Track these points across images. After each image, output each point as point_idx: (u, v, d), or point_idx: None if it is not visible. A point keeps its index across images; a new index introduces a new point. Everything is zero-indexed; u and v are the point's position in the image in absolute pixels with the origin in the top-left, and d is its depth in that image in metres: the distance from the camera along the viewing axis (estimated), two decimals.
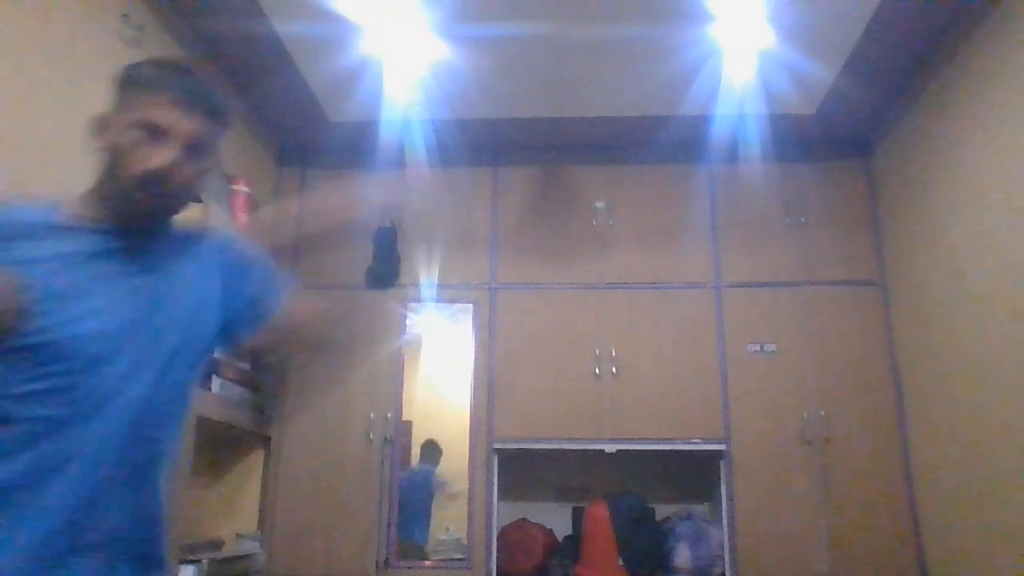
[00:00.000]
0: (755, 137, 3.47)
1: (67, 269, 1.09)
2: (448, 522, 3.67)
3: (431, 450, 3.88)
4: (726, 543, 3.17)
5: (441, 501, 3.81)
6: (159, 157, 1.11)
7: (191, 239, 1.28)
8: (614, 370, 3.40)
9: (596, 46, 2.97)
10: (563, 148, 3.73)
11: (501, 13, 2.76)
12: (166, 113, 1.12)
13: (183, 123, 1.13)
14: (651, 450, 3.35)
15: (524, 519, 3.46)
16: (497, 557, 3.24)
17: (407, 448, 3.77)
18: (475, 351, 3.48)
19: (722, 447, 3.27)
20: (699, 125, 3.44)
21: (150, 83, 1.14)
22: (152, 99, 1.12)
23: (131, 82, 1.15)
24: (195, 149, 1.15)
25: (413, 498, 3.64)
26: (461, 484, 3.40)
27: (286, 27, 2.85)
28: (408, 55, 3.00)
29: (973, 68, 2.73)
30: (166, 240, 1.24)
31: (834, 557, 3.12)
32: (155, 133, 1.11)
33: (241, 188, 3.17)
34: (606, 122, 3.52)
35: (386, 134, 3.53)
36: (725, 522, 3.20)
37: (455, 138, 3.57)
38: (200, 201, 1.19)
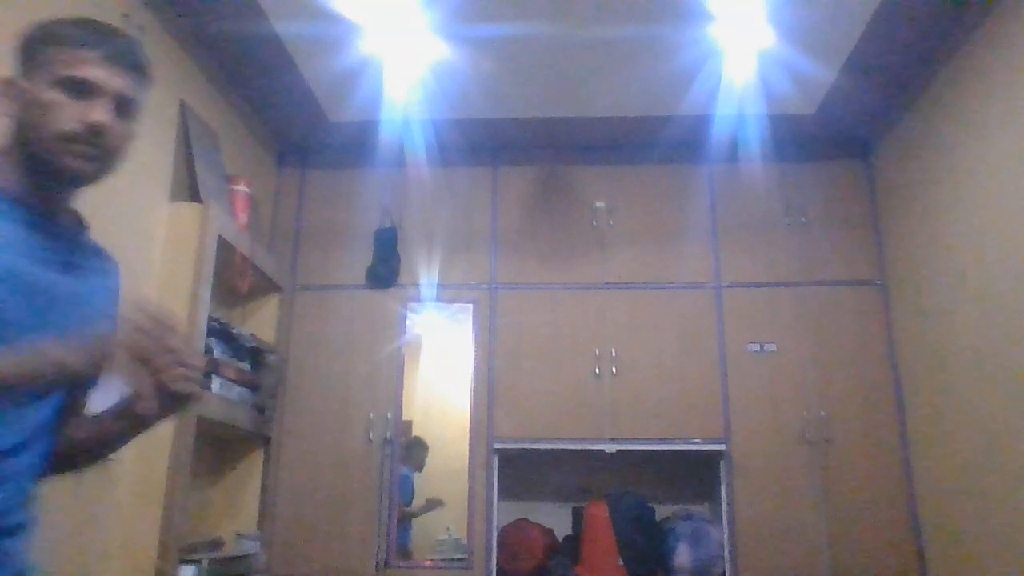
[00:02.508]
0: (755, 137, 3.47)
1: (27, 256, 1.03)
2: (448, 522, 3.66)
3: (413, 450, 3.74)
4: (726, 543, 3.17)
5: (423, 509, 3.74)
6: (94, 111, 1.06)
7: (104, 255, 1.20)
8: (614, 370, 3.40)
9: (596, 46, 2.97)
10: (563, 148, 3.73)
11: (501, 13, 2.76)
12: (95, 69, 1.06)
13: (114, 80, 1.08)
14: (651, 450, 3.35)
15: (524, 519, 3.46)
16: (497, 557, 3.24)
17: (417, 454, 3.77)
18: (475, 351, 3.48)
19: (722, 447, 3.27)
20: (699, 125, 3.44)
21: (73, 40, 1.08)
22: (77, 56, 1.06)
23: (47, 40, 1.09)
24: (124, 108, 1.10)
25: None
26: (459, 484, 3.39)
27: (286, 27, 2.85)
28: (408, 55, 3.00)
29: (973, 68, 2.73)
30: (81, 235, 1.17)
31: (834, 557, 3.12)
32: (81, 90, 1.06)
33: (241, 188, 3.17)
34: (606, 122, 3.52)
35: (386, 134, 3.53)
36: (725, 522, 3.20)
37: (455, 138, 3.57)
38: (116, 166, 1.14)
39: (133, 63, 1.12)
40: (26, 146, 1.06)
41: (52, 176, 1.07)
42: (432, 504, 3.73)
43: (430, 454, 3.84)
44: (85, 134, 1.05)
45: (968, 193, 2.78)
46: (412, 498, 3.74)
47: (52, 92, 1.05)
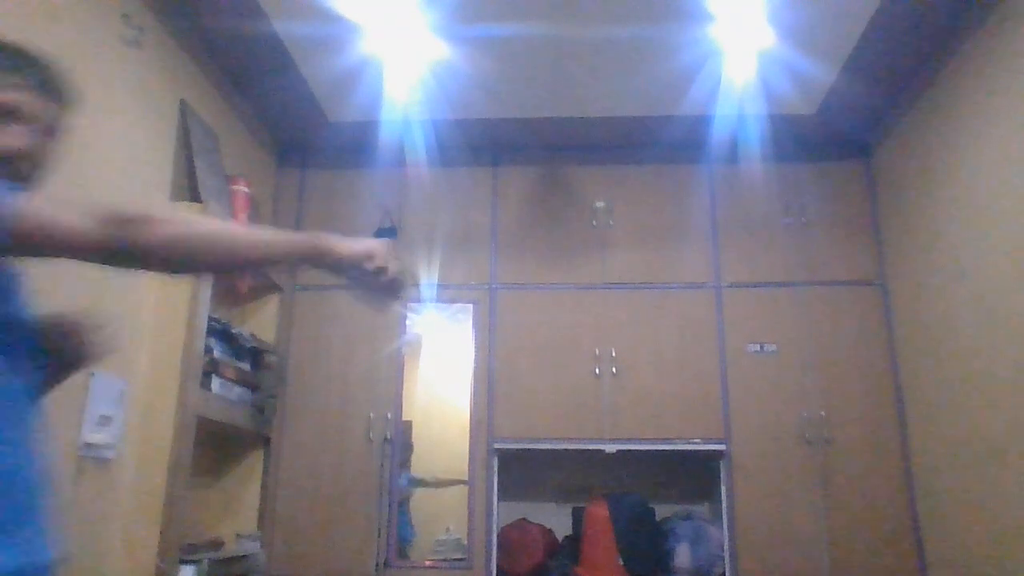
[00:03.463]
0: (755, 137, 3.47)
1: None
2: (448, 522, 3.66)
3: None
4: (726, 543, 3.17)
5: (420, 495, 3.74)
6: (16, 139, 1.13)
7: None
8: (614, 370, 3.40)
9: (596, 46, 2.97)
10: (563, 148, 3.73)
11: (501, 13, 2.76)
12: (23, 98, 1.14)
13: (41, 108, 1.16)
14: (651, 450, 3.35)
15: (524, 519, 3.46)
16: (497, 557, 3.24)
17: (407, 448, 3.76)
18: (475, 351, 3.48)
19: (722, 447, 3.27)
20: (699, 125, 3.44)
21: (4, 66, 1.15)
22: (6, 83, 1.13)
23: None
24: (50, 133, 1.18)
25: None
26: (456, 476, 3.38)
27: (286, 27, 2.85)
28: (408, 55, 3.00)
29: (973, 68, 2.73)
30: None
31: (834, 557, 3.12)
32: (8, 117, 1.13)
33: (241, 188, 3.17)
34: (606, 122, 3.52)
35: (386, 134, 3.53)
36: (725, 522, 3.20)
37: (455, 138, 3.58)
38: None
39: (61, 92, 1.21)
40: None
41: None
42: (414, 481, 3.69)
43: (429, 452, 3.83)
44: (6, 159, 1.12)
45: (968, 193, 2.78)
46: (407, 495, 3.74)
47: None
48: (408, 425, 3.67)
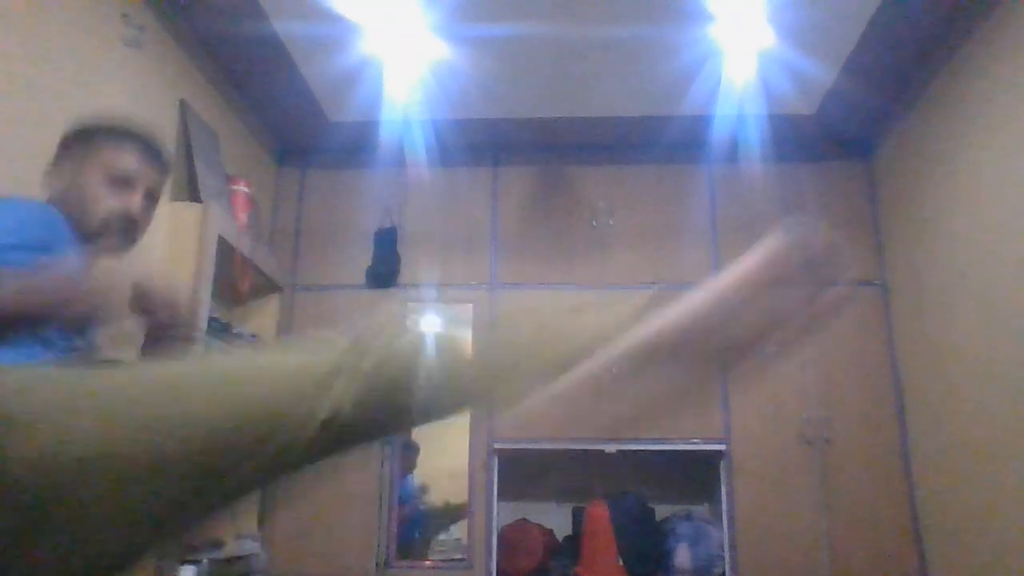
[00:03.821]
0: (755, 137, 3.46)
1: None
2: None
3: (404, 452, 3.65)
4: (726, 543, 3.17)
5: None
6: (131, 202, 1.26)
7: None
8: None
9: (596, 46, 2.97)
10: (563, 148, 3.73)
11: (501, 13, 2.76)
12: (134, 164, 1.28)
13: (147, 174, 1.29)
14: (651, 450, 3.35)
15: (524, 519, 3.46)
16: (497, 557, 3.24)
17: (414, 449, 3.76)
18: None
19: (722, 447, 3.27)
20: (699, 125, 3.43)
21: (116, 136, 1.29)
22: (120, 150, 1.27)
23: (95, 133, 1.29)
24: (151, 197, 1.31)
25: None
26: (460, 484, 3.38)
27: (286, 27, 2.85)
28: (408, 55, 3.00)
29: (973, 68, 2.73)
30: None
31: (834, 557, 3.12)
32: (121, 181, 1.26)
33: (241, 188, 3.17)
34: (606, 122, 3.52)
35: (386, 134, 3.53)
36: (725, 522, 3.20)
37: (455, 138, 3.57)
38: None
39: (163, 160, 1.34)
40: (70, 220, 1.22)
41: (88, 247, 1.25)
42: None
43: (428, 455, 3.83)
44: (121, 222, 1.26)
45: (968, 193, 2.78)
46: (411, 499, 3.74)
47: (98, 178, 1.25)
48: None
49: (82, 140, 1.29)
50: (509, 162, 3.74)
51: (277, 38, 2.90)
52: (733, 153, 3.55)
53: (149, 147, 1.32)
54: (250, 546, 3.03)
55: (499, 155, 3.74)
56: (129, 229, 1.27)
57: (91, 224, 1.24)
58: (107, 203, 1.25)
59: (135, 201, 1.27)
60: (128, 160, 1.28)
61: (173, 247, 2.65)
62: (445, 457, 3.78)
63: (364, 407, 0.70)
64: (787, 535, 3.16)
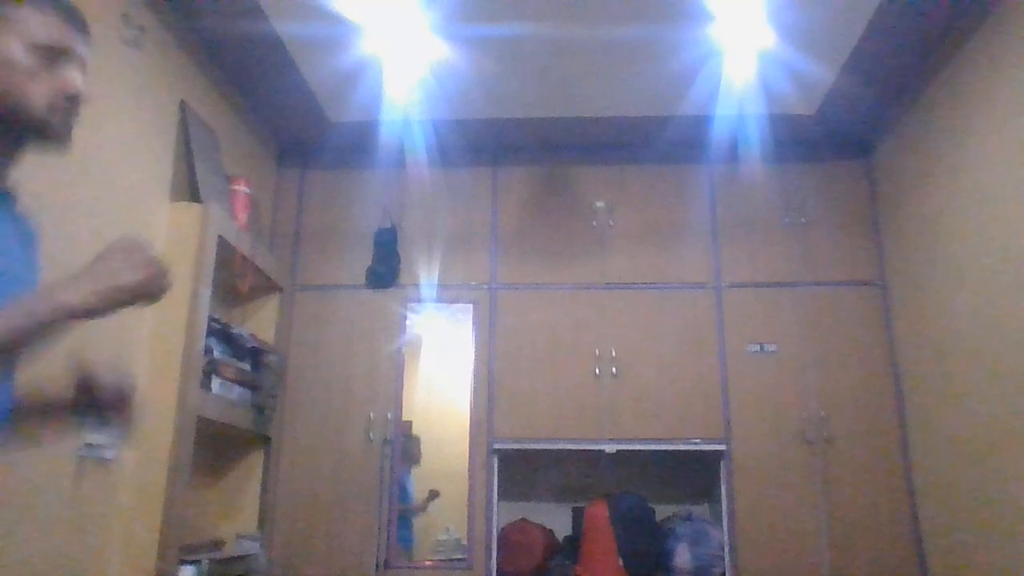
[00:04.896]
0: (755, 137, 3.47)
1: None
2: (448, 522, 3.66)
3: (405, 446, 3.65)
4: (726, 543, 3.17)
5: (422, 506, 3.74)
6: (77, 80, 1.05)
7: (11, 195, 1.12)
8: (614, 370, 3.40)
9: (596, 46, 2.97)
10: (563, 148, 3.73)
11: (501, 13, 2.76)
12: (65, 34, 1.05)
13: (81, 45, 1.07)
14: (651, 450, 3.35)
15: (524, 519, 3.46)
16: (497, 557, 3.24)
17: (415, 442, 3.76)
18: (475, 351, 3.48)
19: (722, 447, 3.27)
20: (699, 125, 3.44)
21: (38, 2, 1.04)
22: (44, 17, 1.03)
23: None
24: (83, 68, 1.09)
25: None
26: (460, 484, 3.39)
27: (286, 27, 2.85)
28: (408, 55, 3.00)
29: (973, 68, 2.73)
30: (16, 205, 1.13)
31: (834, 557, 3.12)
32: (55, 53, 1.03)
33: (241, 188, 3.17)
34: (606, 122, 3.52)
35: (386, 134, 3.53)
36: (725, 522, 3.20)
37: (455, 138, 3.57)
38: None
39: (83, 21, 1.09)
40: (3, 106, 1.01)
41: (32, 142, 1.06)
42: (433, 495, 3.73)
43: (429, 452, 3.83)
44: (69, 103, 1.05)
45: (968, 193, 2.78)
46: (410, 497, 3.74)
47: (28, 56, 1.01)
48: (408, 425, 3.67)
49: None
50: (509, 162, 3.74)
51: (277, 38, 2.91)
52: (733, 153, 3.55)
53: (70, 8, 1.08)
54: (250, 546, 3.03)
55: (499, 155, 3.75)
56: (73, 113, 1.06)
57: (32, 112, 1.01)
58: (48, 82, 1.02)
59: (77, 76, 1.05)
60: (57, 26, 1.04)
61: (173, 247, 2.65)
62: (445, 457, 3.79)
63: None
64: (787, 535, 3.16)
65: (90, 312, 0.94)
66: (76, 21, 1.08)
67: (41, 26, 1.02)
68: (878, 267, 3.47)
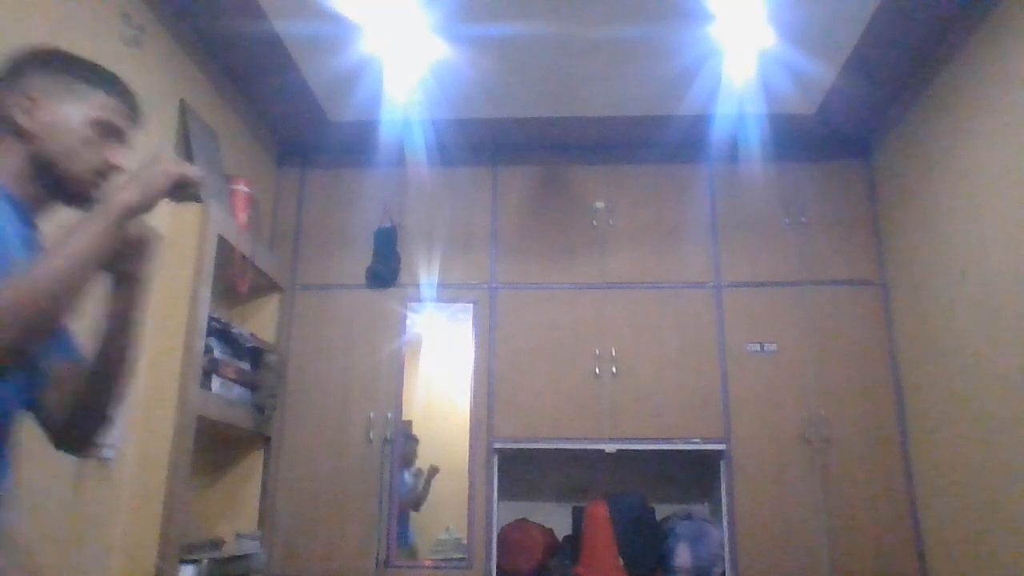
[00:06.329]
0: (755, 137, 3.47)
1: (21, 243, 1.11)
2: (448, 522, 3.66)
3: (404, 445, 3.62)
4: (726, 543, 3.17)
5: (419, 496, 3.73)
6: (124, 158, 1.20)
7: (38, 229, 1.25)
8: (614, 370, 3.40)
9: (596, 46, 2.97)
10: (563, 148, 3.73)
11: (501, 13, 2.76)
12: (125, 120, 1.22)
13: (132, 129, 1.24)
14: (651, 450, 3.35)
15: (524, 519, 3.46)
16: (497, 557, 3.25)
17: (413, 440, 3.76)
18: (475, 351, 3.48)
19: (722, 447, 3.27)
20: (699, 125, 3.44)
21: (106, 85, 1.21)
22: (110, 102, 1.20)
23: (83, 76, 1.20)
24: (129, 151, 1.24)
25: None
26: (460, 484, 3.39)
27: (286, 27, 2.85)
28: (408, 55, 3.00)
29: (973, 68, 2.73)
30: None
31: (834, 557, 3.12)
32: (110, 133, 1.19)
33: (241, 188, 3.17)
34: (606, 122, 3.52)
35: (386, 134, 3.53)
36: (725, 522, 3.20)
37: (455, 138, 3.57)
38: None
39: (139, 111, 1.28)
40: (48, 167, 1.15)
41: (67, 198, 1.18)
42: (433, 471, 3.73)
43: (429, 452, 3.83)
44: (109, 174, 1.19)
45: (968, 193, 2.78)
46: (408, 487, 3.73)
47: (88, 130, 1.16)
48: (408, 425, 3.67)
49: (63, 76, 1.18)
50: (509, 162, 3.74)
51: (277, 38, 2.91)
52: (733, 153, 3.55)
53: (134, 104, 1.25)
54: (250, 545, 3.03)
55: (499, 155, 3.75)
56: (108, 183, 1.18)
57: (76, 174, 1.15)
58: (98, 154, 1.17)
59: (124, 157, 1.20)
60: (118, 110, 1.20)
61: (173, 247, 2.65)
62: (445, 457, 3.79)
63: None
64: (787, 535, 3.16)
65: (143, 204, 1.08)
66: (135, 110, 1.25)
67: (105, 107, 1.19)
68: (878, 267, 3.47)
